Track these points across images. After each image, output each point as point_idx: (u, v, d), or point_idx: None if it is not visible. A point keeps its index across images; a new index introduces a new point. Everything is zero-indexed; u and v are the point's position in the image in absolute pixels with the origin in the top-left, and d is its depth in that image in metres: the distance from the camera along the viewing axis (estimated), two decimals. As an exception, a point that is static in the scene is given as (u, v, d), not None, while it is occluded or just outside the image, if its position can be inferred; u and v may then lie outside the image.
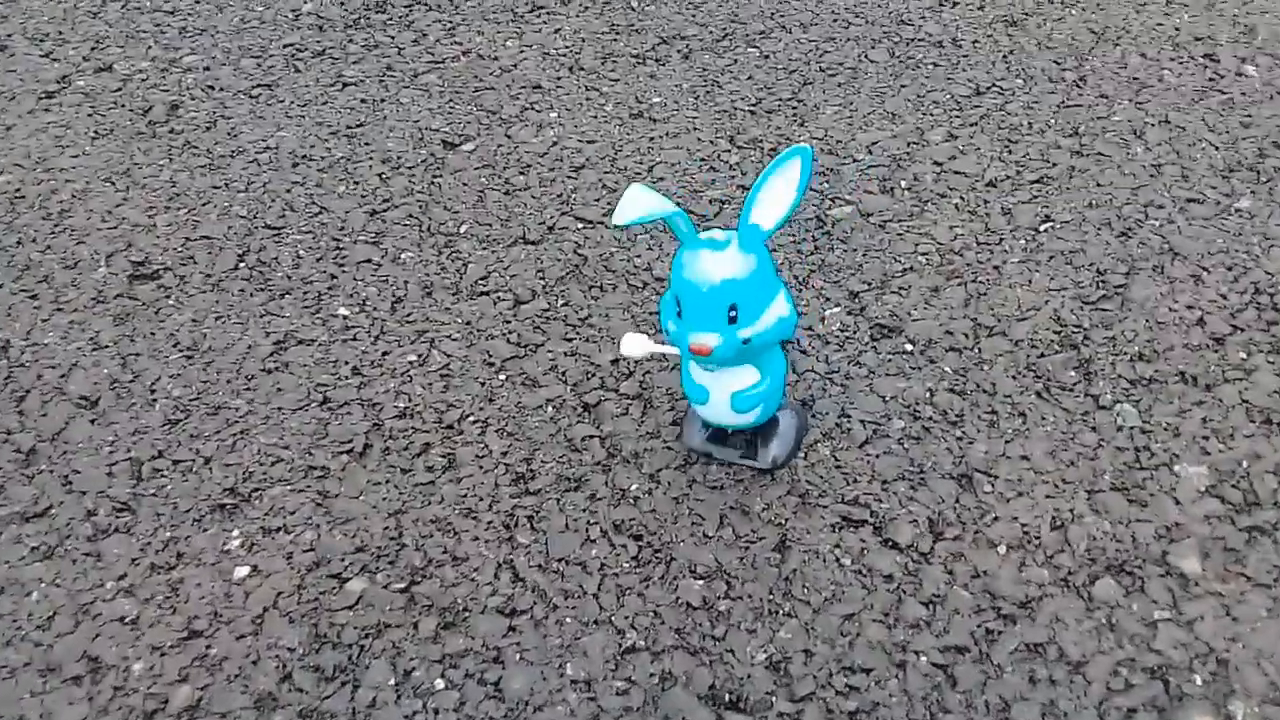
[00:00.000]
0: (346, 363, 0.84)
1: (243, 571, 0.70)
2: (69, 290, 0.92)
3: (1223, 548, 0.67)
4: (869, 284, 0.86)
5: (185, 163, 1.05)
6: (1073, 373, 0.78)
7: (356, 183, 1.01)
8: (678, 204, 0.65)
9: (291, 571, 0.70)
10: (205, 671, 0.65)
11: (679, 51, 1.14)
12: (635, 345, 0.68)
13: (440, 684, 0.64)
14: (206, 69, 1.18)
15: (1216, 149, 0.96)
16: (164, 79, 1.18)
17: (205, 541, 0.72)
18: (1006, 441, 0.74)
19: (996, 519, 0.69)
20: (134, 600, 0.69)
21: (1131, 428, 0.74)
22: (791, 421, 0.73)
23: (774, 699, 0.62)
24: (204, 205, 1.00)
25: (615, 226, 0.62)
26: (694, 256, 0.62)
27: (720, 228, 0.65)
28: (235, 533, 0.73)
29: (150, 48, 1.23)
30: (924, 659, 0.63)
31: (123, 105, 1.14)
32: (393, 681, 0.64)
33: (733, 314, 0.61)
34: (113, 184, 1.04)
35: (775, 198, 0.62)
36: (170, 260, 0.94)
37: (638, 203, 0.62)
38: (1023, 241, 0.89)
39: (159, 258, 0.94)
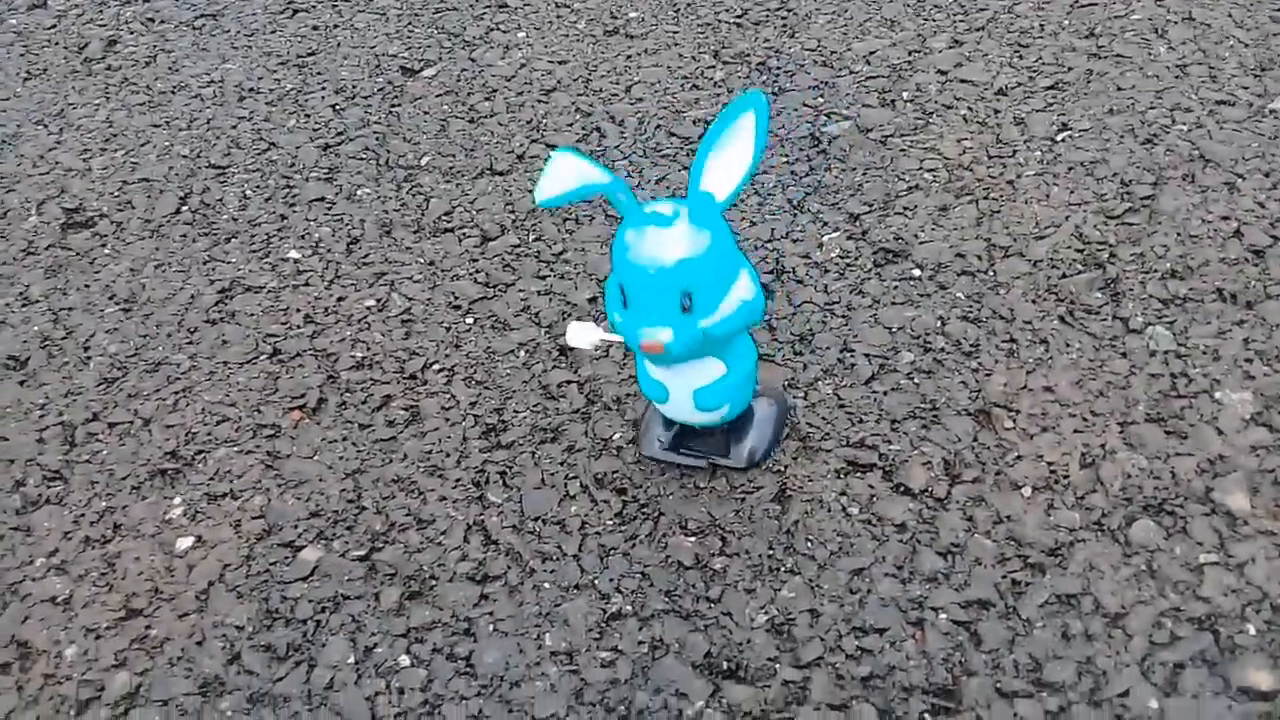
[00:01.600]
0: (298, 310, 0.76)
1: (185, 543, 0.64)
2: (-4, 242, 0.84)
3: (1272, 481, 0.60)
4: (870, 205, 0.78)
5: (123, 101, 0.97)
6: (1099, 294, 0.70)
7: (308, 115, 0.92)
8: (612, 166, 0.56)
9: (239, 541, 0.63)
10: (145, 654, 0.59)
11: (657, -37, 1.05)
12: (582, 335, 0.57)
13: (405, 660, 0.57)
14: (146, 1, 1.09)
15: (1246, 46, 0.88)
16: (101, 14, 1.09)
17: (144, 511, 0.65)
18: (1028, 372, 0.67)
19: (1019, 458, 0.62)
20: (66, 578, 0.63)
21: (1166, 352, 0.67)
22: (769, 411, 0.63)
23: (777, 665, 0.55)
24: (143, 146, 0.91)
25: (538, 205, 0.52)
26: (638, 236, 0.51)
27: (666, 198, 0.55)
28: (177, 500, 0.66)
29: (86, -20, 1.14)
30: (943, 616, 0.56)
31: (57, 43, 1.05)
32: (352, 659, 0.57)
33: (686, 302, 0.51)
34: (45, 126, 0.95)
35: (728, 159, 0.51)
36: (106, 206, 0.86)
37: (564, 174, 0.51)
38: (1038, 153, 0.81)
39: (94, 204, 0.86)
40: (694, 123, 0.87)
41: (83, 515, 0.65)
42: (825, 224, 0.77)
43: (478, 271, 0.77)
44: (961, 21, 0.94)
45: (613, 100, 0.90)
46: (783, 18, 0.97)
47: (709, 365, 0.56)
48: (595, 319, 0.73)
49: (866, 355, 0.69)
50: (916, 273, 0.73)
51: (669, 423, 0.62)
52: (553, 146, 0.87)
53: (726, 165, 0.51)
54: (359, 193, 0.85)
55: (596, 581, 0.59)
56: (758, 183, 0.81)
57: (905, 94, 0.87)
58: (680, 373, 0.57)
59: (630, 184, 0.82)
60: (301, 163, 0.88)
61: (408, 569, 0.61)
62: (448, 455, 0.66)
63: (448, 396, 0.70)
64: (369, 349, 0.73)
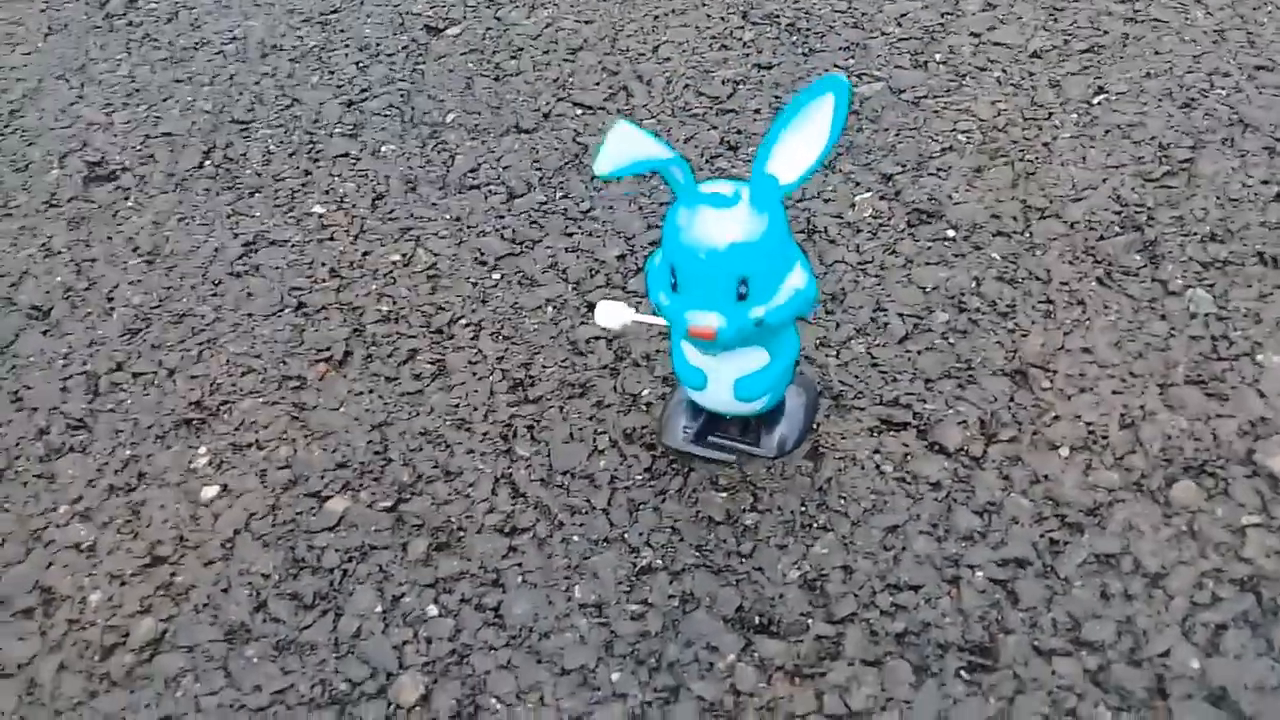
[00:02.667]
0: (323, 264, 0.75)
1: (211, 492, 0.63)
2: (19, 194, 0.83)
3: (1316, 444, 0.59)
4: (903, 166, 0.77)
5: (145, 56, 0.96)
6: (1137, 256, 0.69)
7: (331, 72, 0.91)
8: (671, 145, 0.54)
9: (265, 491, 0.63)
10: (170, 601, 0.58)
11: (685, -75, 1.04)
12: (613, 314, 0.54)
13: (433, 610, 0.57)
14: (167, -43, 1.08)
15: (1287, 12, 0.86)
16: (121, -31, 1.07)
17: (169, 460, 0.65)
18: (1065, 333, 0.65)
19: (1057, 418, 0.61)
20: (91, 525, 0.62)
21: (1206, 315, 0.65)
22: (799, 400, 0.60)
23: (810, 620, 0.55)
24: (165, 101, 0.90)
25: (597, 177, 0.50)
26: (693, 216, 0.49)
27: (725, 178, 0.52)
28: (202, 450, 0.65)
29: (107, -63, 1.12)
30: (980, 574, 0.55)
31: (77, -2, 1.04)
32: (379, 609, 0.57)
33: (742, 289, 0.49)
34: (67, 81, 0.94)
35: (800, 143, 0.48)
36: (129, 160, 0.85)
37: (625, 147, 0.49)
38: (1074, 116, 0.79)
39: (116, 157, 0.86)
40: (722, 82, 0.86)
41: (106, 464, 0.65)
42: (858, 184, 0.76)
43: (504, 228, 0.76)
44: (996, -16, 0.92)
45: (640, 60, 0.89)
46: (813, -21, 0.95)
47: (753, 354, 0.54)
48: (624, 277, 0.72)
49: (900, 315, 0.68)
50: (951, 233, 0.72)
51: (695, 411, 0.60)
52: (580, 105, 0.85)
53: (796, 148, 0.49)
54: (383, 149, 0.84)
55: (626, 535, 0.59)
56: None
57: (938, 56, 0.86)
58: (723, 360, 0.54)
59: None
60: (325, 119, 0.87)
61: (435, 520, 0.60)
62: (475, 409, 0.65)
63: (475, 351, 0.69)
64: (395, 303, 0.72)
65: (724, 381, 0.56)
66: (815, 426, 0.62)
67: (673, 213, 0.51)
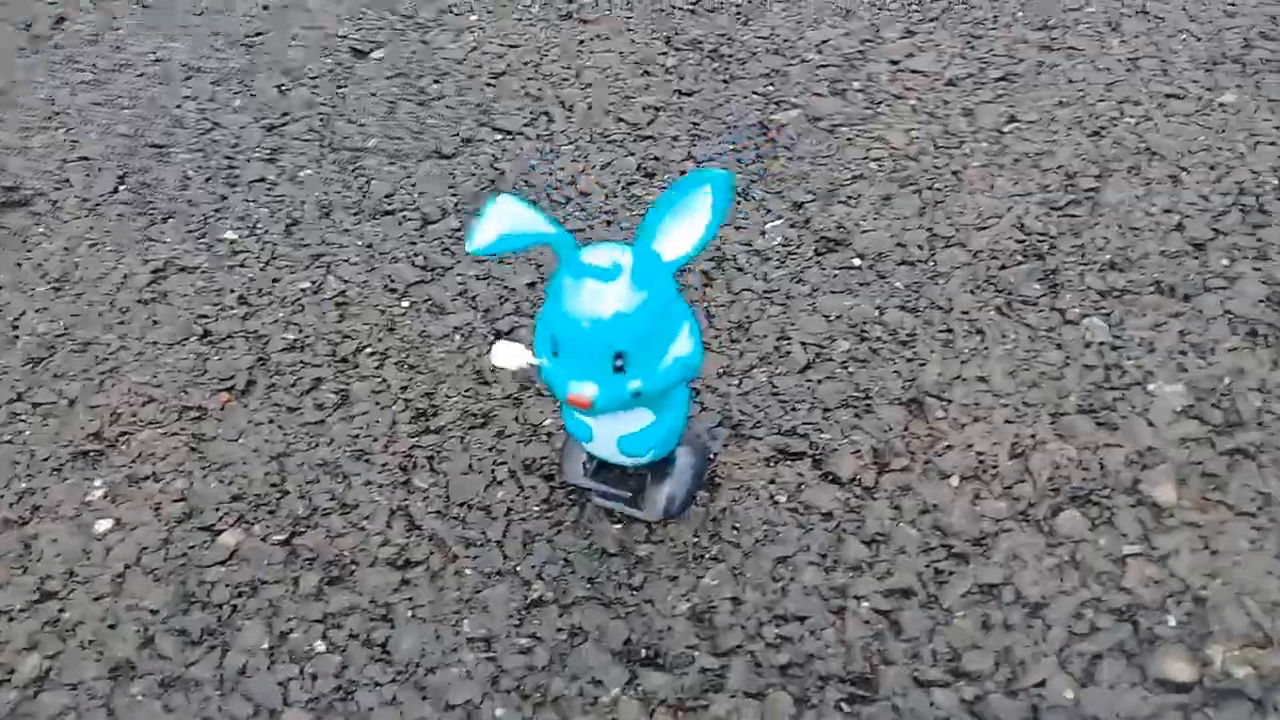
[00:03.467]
0: (232, 291, 0.75)
1: (104, 525, 0.62)
2: (-70, 219, 0.83)
3: (1201, 474, 0.60)
4: (814, 194, 0.78)
5: (66, 79, 0.95)
6: (1037, 285, 0.70)
7: (253, 95, 0.91)
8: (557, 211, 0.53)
9: (159, 524, 0.62)
10: (56, 638, 0.58)
11: (614, -51, 1.04)
12: (509, 356, 0.53)
13: (320, 646, 0.56)
14: (96, -22, 1.07)
15: (1198, 40, 0.88)
16: (49, -10, 1.07)
17: (64, 493, 0.64)
18: (962, 362, 0.66)
19: (949, 447, 0.62)
20: (-19, 560, 0.61)
21: (1101, 344, 0.66)
22: (688, 461, 0.59)
23: (696, 653, 0.55)
24: (84, 124, 0.90)
25: (472, 254, 0.49)
26: (574, 286, 0.49)
27: (612, 242, 0.51)
28: (98, 482, 0.65)
29: (37, -43, 1.12)
30: (865, 605, 0.56)
31: (3, 20, 1.04)
32: (267, 645, 0.57)
33: (619, 362, 0.49)
34: (-14, 103, 0.94)
35: (682, 227, 0.49)
36: (44, 184, 0.85)
37: (503, 221, 0.48)
38: (985, 144, 0.80)
39: (31, 182, 0.85)
40: (643, 109, 0.86)
41: (1, 496, 0.64)
42: (768, 211, 0.77)
43: (416, 255, 0.76)
44: (915, 11, 0.93)
45: (563, 85, 0.89)
46: (737, 5, 0.96)
47: (637, 414, 0.54)
48: (533, 305, 0.72)
49: (803, 344, 0.68)
50: (857, 262, 0.73)
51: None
52: (500, 130, 0.86)
53: (679, 231, 0.49)
54: (301, 174, 0.83)
55: (519, 568, 0.59)
56: (704, 168, 0.80)
57: (856, 83, 0.87)
58: (606, 420, 0.54)
59: (577, 168, 0.81)
60: (244, 143, 0.87)
61: (328, 554, 0.60)
62: (375, 439, 0.65)
63: (379, 380, 0.69)
64: (301, 331, 0.72)
65: (609, 438, 0.55)
66: (709, 471, 0.62)
67: (555, 280, 0.50)
